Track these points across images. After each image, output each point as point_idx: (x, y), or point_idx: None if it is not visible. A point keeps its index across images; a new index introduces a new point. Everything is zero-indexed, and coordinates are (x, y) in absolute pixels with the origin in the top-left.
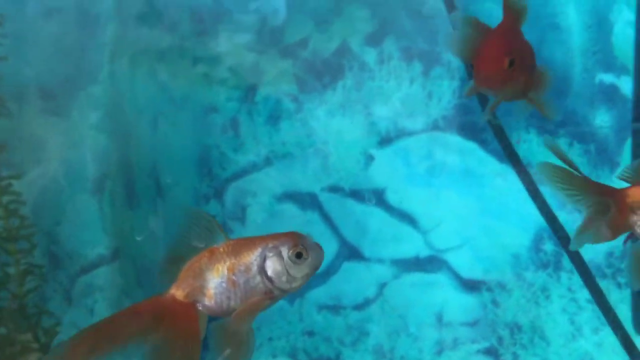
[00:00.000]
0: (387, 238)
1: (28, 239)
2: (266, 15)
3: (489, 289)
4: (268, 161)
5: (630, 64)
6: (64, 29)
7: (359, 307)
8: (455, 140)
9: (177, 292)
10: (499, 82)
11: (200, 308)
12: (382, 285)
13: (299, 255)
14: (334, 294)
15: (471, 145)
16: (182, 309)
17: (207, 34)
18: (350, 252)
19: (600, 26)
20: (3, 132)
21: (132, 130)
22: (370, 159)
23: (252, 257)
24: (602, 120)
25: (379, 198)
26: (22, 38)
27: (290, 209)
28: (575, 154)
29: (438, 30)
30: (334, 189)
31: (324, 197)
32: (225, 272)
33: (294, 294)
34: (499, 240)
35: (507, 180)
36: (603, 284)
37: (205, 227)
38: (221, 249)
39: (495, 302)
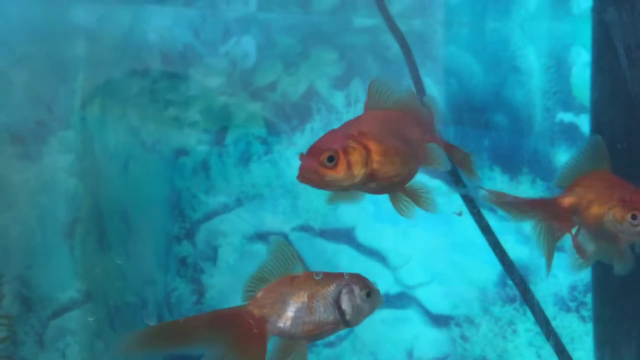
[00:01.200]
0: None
1: None
2: (236, 58)
3: (458, 324)
4: (239, 202)
5: (587, 103)
6: (35, 76)
7: (330, 344)
8: (421, 179)
9: (254, 309)
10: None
11: (269, 327)
12: None
13: (368, 295)
14: None
15: (437, 183)
16: (255, 324)
17: (178, 77)
18: None
19: (559, 68)
20: None
21: (103, 174)
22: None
23: (329, 290)
24: (562, 158)
25: (348, 236)
26: None
27: (261, 248)
28: (539, 190)
29: (402, 75)
30: (304, 229)
31: (295, 237)
32: (305, 299)
33: None
34: (466, 275)
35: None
36: (567, 318)
37: (289, 256)
38: (301, 278)
39: (464, 337)
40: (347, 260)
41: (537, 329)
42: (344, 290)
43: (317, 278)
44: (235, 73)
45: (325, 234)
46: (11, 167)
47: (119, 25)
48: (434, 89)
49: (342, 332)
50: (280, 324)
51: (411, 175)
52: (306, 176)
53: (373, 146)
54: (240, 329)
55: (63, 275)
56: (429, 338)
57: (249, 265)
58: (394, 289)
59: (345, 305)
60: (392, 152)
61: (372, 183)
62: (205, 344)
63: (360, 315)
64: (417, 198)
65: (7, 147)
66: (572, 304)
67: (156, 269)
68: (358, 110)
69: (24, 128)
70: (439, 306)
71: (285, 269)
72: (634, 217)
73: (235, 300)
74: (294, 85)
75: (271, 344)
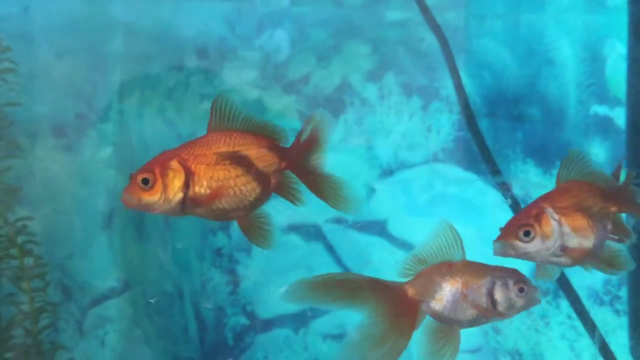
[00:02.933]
0: (390, 267)
1: (42, 277)
2: (269, 52)
3: None
4: (273, 194)
5: (623, 96)
6: (75, 69)
7: None
8: (454, 171)
9: (410, 288)
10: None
11: (424, 308)
12: None
13: (521, 290)
14: (338, 322)
15: (470, 176)
16: (409, 303)
17: (212, 71)
18: None
19: (594, 60)
20: (17, 170)
21: (139, 166)
22: (372, 191)
23: (484, 280)
24: (597, 151)
25: (381, 229)
26: (35, 78)
27: (295, 240)
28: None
29: (436, 67)
30: (338, 221)
31: (328, 229)
32: (460, 285)
33: (301, 324)
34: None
35: (506, 210)
36: (601, 311)
37: (451, 242)
38: (459, 265)
39: (496, 330)
40: (380, 253)
41: (570, 322)
42: (498, 282)
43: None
44: (268, 66)
45: (358, 226)
46: (52, 159)
47: (156, 20)
48: (467, 82)
49: None
50: (435, 307)
51: (253, 204)
52: (125, 198)
53: (197, 169)
54: (396, 304)
55: (102, 264)
56: (461, 330)
57: (283, 257)
58: None
59: (498, 296)
60: (221, 176)
61: (199, 208)
62: (361, 306)
63: (512, 308)
64: (254, 231)
65: (48, 139)
66: (605, 298)
67: (192, 259)
68: (391, 103)
69: (64, 121)
70: None
71: (446, 253)
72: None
73: (269, 290)
74: (327, 79)
75: (424, 326)
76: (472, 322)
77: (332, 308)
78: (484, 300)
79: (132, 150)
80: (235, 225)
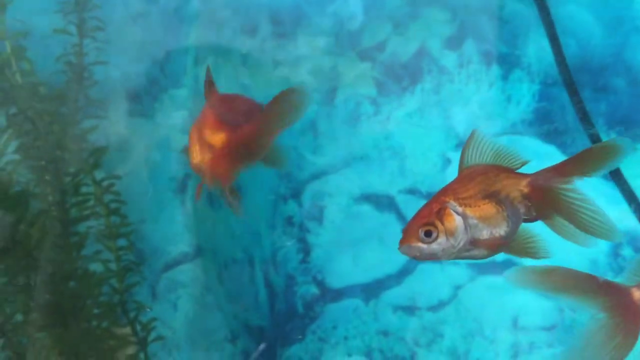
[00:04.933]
0: (538, 234)
1: (127, 237)
2: (343, 18)
3: None
4: (346, 163)
5: None
6: (149, 34)
7: (433, 308)
8: (534, 143)
9: (637, 292)
10: None
11: None
12: (457, 287)
13: None
14: (408, 294)
15: (551, 149)
16: (635, 308)
17: (286, 37)
18: None
19: None
20: (96, 135)
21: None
22: (447, 162)
23: None
24: None
25: None
26: (109, 42)
27: (367, 210)
28: None
29: (518, 34)
30: (411, 191)
31: (401, 199)
32: None
33: (371, 295)
34: (574, 244)
35: (588, 184)
36: None
37: None
38: None
39: (572, 307)
40: None
41: None
42: None
43: None
44: (342, 33)
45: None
46: (126, 124)
47: None
48: (550, 50)
49: (445, 296)
50: None
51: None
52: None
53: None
54: (623, 307)
55: (174, 229)
56: (535, 307)
57: (355, 226)
58: (500, 256)
59: None
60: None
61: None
62: (585, 304)
63: None
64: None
65: (122, 104)
66: None
67: (263, 227)
68: (470, 71)
69: (137, 85)
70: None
71: None
72: None
73: (340, 260)
74: (404, 46)
75: None
76: None
77: (554, 298)
78: None
79: None
80: (306, 194)
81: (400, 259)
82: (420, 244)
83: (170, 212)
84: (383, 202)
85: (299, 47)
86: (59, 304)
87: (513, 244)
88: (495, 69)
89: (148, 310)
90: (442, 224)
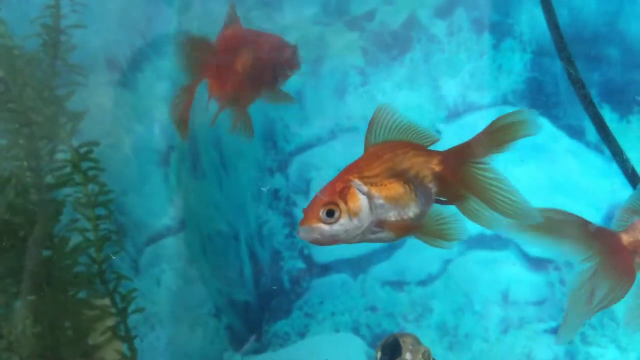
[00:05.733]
0: (452, 214)
1: (106, 206)
2: None
3: (557, 268)
4: (333, 135)
5: None
6: (130, 1)
7: (422, 283)
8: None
9: (625, 237)
10: None
11: (637, 260)
12: (447, 262)
13: None
14: (397, 269)
15: (542, 121)
16: (623, 253)
17: (272, 6)
18: None
19: None
20: (74, 103)
21: (197, 103)
22: (437, 133)
23: None
24: None
25: None
26: (88, 8)
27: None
28: None
29: (510, 1)
30: None
31: None
32: None
33: (359, 270)
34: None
35: (579, 157)
36: None
37: None
38: None
39: (562, 282)
40: None
41: None
42: None
43: None
44: (330, 2)
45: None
46: (107, 94)
47: None
48: (542, 19)
49: (434, 271)
50: None
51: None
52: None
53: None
54: (611, 251)
55: (157, 202)
56: (525, 281)
57: None
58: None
59: None
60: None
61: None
62: (575, 246)
63: None
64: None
65: (102, 74)
66: None
67: (249, 200)
68: (461, 40)
69: (118, 54)
70: (538, 249)
71: None
72: None
73: None
74: (393, 14)
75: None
76: None
77: (537, 241)
78: None
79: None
80: (293, 167)
81: None
82: (321, 225)
83: (153, 185)
84: None
85: (285, 16)
86: (33, 271)
87: (425, 227)
88: (486, 38)
89: (113, 258)
90: (346, 203)
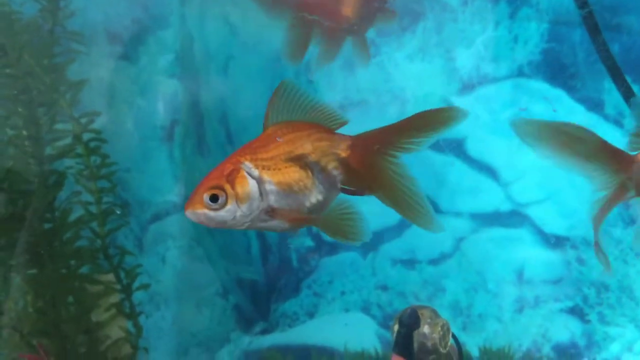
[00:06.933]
0: (466, 190)
1: (109, 179)
2: None
3: (574, 246)
4: (342, 108)
5: None
6: None
7: (434, 261)
8: (541, 87)
9: None
10: None
11: None
12: (460, 240)
13: None
14: (408, 247)
15: (559, 93)
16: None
17: None
18: None
19: None
20: (73, 74)
21: (202, 76)
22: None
23: None
24: None
25: (459, 148)
26: None
27: None
28: None
29: None
30: None
31: None
32: None
33: (370, 248)
34: (585, 194)
35: (597, 131)
36: None
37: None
38: None
39: (580, 260)
40: (456, 174)
41: None
42: None
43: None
44: None
45: (433, 145)
46: (108, 68)
47: None
48: None
49: (447, 249)
50: None
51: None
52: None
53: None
54: (626, 172)
55: (162, 179)
56: (541, 260)
57: None
58: (504, 206)
59: None
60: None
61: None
62: (591, 163)
63: None
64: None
65: (104, 47)
66: None
67: None
68: (475, 9)
69: (120, 27)
70: (554, 226)
71: None
72: None
73: None
74: None
75: None
76: None
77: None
78: None
79: (193, 59)
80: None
81: None
82: (206, 210)
83: (157, 161)
84: None
85: None
86: (33, 243)
87: (325, 220)
88: (502, 7)
89: (118, 212)
90: (233, 188)
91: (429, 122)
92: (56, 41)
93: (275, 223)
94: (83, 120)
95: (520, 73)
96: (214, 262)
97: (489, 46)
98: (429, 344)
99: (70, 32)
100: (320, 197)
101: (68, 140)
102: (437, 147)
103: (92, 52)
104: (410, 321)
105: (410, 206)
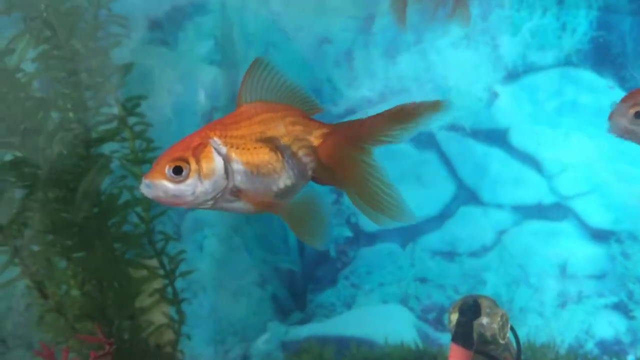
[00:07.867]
0: (508, 182)
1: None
2: None
3: (619, 240)
4: (383, 97)
5: None
6: None
7: (475, 254)
8: (589, 76)
9: None
10: None
11: None
12: (501, 232)
13: None
14: (448, 239)
15: (607, 83)
16: None
17: None
18: (468, 196)
19: None
20: (115, 58)
21: (241, 62)
22: (494, 95)
23: None
24: None
25: (502, 139)
26: None
27: (405, 148)
28: None
29: None
30: (454, 128)
31: (442, 136)
32: None
33: (409, 239)
34: (632, 187)
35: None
36: None
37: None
38: None
39: (625, 254)
40: (498, 165)
41: None
42: None
43: None
44: None
45: (476, 135)
46: (148, 53)
47: None
48: None
49: (488, 241)
50: None
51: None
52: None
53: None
54: None
55: None
56: (585, 254)
57: (391, 166)
58: (548, 199)
59: None
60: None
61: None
62: None
63: None
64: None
65: (143, 33)
66: None
67: None
68: None
69: (159, 12)
70: (599, 220)
71: None
72: None
73: None
74: None
75: None
76: None
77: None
78: None
79: (233, 46)
80: None
81: (440, 201)
82: (165, 182)
83: None
84: (422, 140)
85: None
86: (81, 225)
87: (292, 209)
88: None
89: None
90: (197, 162)
91: (409, 115)
92: (100, 25)
93: (240, 205)
94: (128, 105)
95: (567, 62)
96: (251, 251)
97: (536, 34)
98: (488, 334)
99: (116, 16)
100: (288, 183)
101: (114, 124)
102: (479, 137)
103: (131, 37)
104: (471, 310)
105: (382, 199)
